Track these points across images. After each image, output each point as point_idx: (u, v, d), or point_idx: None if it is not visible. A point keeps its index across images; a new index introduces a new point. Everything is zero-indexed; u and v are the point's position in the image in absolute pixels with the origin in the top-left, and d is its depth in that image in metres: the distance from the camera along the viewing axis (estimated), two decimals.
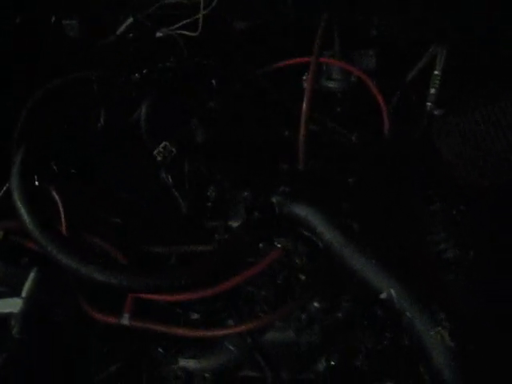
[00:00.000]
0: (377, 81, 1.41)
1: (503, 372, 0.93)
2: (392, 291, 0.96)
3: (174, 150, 1.24)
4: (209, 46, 1.48)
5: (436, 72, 1.40)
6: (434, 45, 1.41)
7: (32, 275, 1.09)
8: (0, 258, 1.12)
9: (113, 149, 1.30)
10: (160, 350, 1.19)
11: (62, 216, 1.14)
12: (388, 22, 1.42)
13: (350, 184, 1.24)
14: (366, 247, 1.02)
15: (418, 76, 1.46)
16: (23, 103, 1.34)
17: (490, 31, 1.34)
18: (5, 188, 1.20)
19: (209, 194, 1.27)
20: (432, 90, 1.41)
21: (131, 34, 1.50)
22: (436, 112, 1.41)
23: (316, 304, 1.11)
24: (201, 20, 1.45)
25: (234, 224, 1.20)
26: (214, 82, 1.37)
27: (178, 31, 1.48)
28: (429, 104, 1.42)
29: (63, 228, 1.14)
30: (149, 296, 1.09)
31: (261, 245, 1.12)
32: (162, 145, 1.24)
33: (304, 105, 1.19)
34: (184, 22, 1.48)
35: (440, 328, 0.91)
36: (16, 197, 1.10)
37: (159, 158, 1.23)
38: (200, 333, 1.11)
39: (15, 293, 1.06)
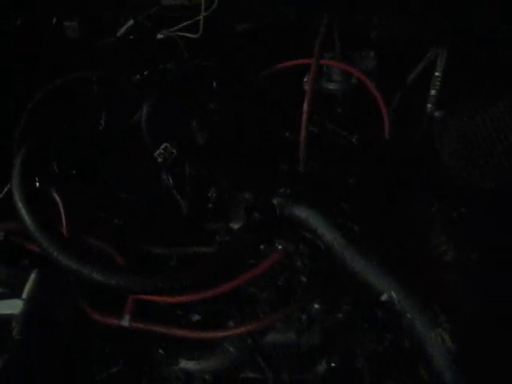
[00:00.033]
0: (377, 82, 1.41)
1: (504, 374, 0.93)
2: (392, 293, 0.96)
3: (174, 151, 1.24)
4: (209, 48, 1.49)
5: (437, 73, 1.40)
6: (434, 46, 1.41)
7: (32, 276, 1.09)
8: (0, 259, 1.12)
9: (114, 150, 1.30)
10: (160, 351, 1.19)
11: (63, 217, 1.14)
12: (388, 22, 1.43)
13: (350, 185, 1.24)
14: (366, 249, 1.02)
15: (419, 77, 1.46)
16: (23, 104, 1.34)
17: (489, 32, 1.34)
18: (6, 189, 1.20)
19: (209, 195, 1.27)
20: (432, 92, 1.41)
21: (132, 36, 1.50)
22: (436, 113, 1.41)
23: (317, 305, 1.11)
24: (201, 22, 1.45)
25: (235, 226, 1.19)
26: (214, 83, 1.37)
27: (179, 33, 1.48)
28: (429, 105, 1.42)
29: (64, 229, 1.14)
30: (149, 297, 1.09)
31: (262, 246, 1.12)
32: (162, 146, 1.24)
33: (304, 106, 1.19)
34: (185, 23, 1.48)
35: (440, 330, 0.91)
36: (17, 198, 1.10)
37: (160, 160, 1.23)
38: (200, 334, 1.11)
39: (16, 294, 1.06)
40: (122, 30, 1.50)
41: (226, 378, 1.19)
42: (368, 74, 1.42)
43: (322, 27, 1.26)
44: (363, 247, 1.02)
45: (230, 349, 1.17)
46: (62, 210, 1.14)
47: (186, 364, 1.19)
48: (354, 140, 1.41)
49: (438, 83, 1.40)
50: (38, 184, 1.17)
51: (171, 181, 1.27)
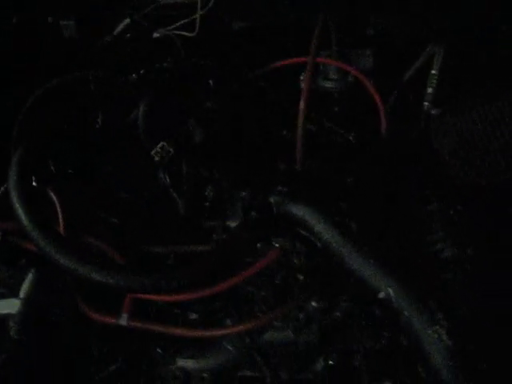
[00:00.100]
0: (374, 80, 1.41)
1: (501, 371, 0.93)
2: (390, 290, 0.96)
3: (171, 150, 1.24)
4: (206, 46, 1.49)
5: (433, 71, 1.40)
6: (431, 44, 1.41)
7: (30, 276, 1.09)
8: None
9: (110, 149, 1.30)
10: (158, 350, 1.19)
11: (60, 216, 1.14)
12: (386, 20, 1.43)
13: (347, 184, 1.24)
14: (363, 247, 1.02)
15: (416, 75, 1.46)
16: (20, 103, 1.34)
17: (487, 30, 1.34)
18: (2, 189, 1.19)
19: (207, 193, 1.27)
20: (429, 90, 1.41)
21: (128, 35, 1.50)
22: (433, 111, 1.41)
23: (314, 304, 1.11)
24: (198, 20, 1.45)
25: (232, 224, 1.20)
26: (211, 82, 1.37)
27: (175, 31, 1.48)
28: (426, 103, 1.42)
29: (61, 228, 1.14)
30: (147, 296, 1.09)
31: (258, 245, 1.12)
32: (159, 145, 1.24)
33: (301, 104, 1.19)
34: (181, 22, 1.48)
35: (438, 327, 0.91)
36: (14, 197, 1.09)
37: (157, 159, 1.23)
38: (198, 333, 1.12)
39: (13, 294, 1.06)
40: (119, 28, 1.50)
41: (224, 376, 1.19)
42: (365, 72, 1.42)
43: (318, 25, 1.26)
44: (360, 245, 1.03)
45: (228, 347, 1.17)
46: (58, 210, 1.14)
47: (184, 363, 1.19)
48: (351, 138, 1.41)
49: (434, 81, 1.40)
50: (34, 183, 1.17)
51: (168, 179, 1.27)
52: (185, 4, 1.48)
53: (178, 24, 1.48)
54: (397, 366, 1.09)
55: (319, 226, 1.06)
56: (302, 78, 1.45)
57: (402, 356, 1.07)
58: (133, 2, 1.51)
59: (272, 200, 1.12)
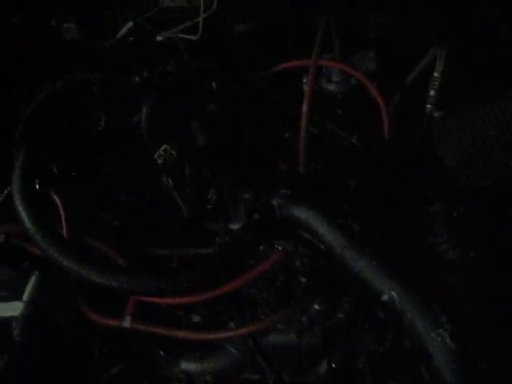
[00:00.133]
0: (377, 83, 1.41)
1: (504, 374, 0.93)
2: (393, 293, 0.96)
3: (174, 153, 1.24)
4: (209, 49, 1.49)
5: (435, 74, 1.40)
6: (433, 47, 1.41)
7: (33, 279, 1.09)
8: (1, 261, 1.12)
9: (113, 152, 1.30)
10: (161, 352, 1.19)
11: (63, 219, 1.14)
12: (388, 22, 1.43)
13: (350, 186, 1.24)
14: (366, 249, 1.02)
15: (418, 78, 1.46)
16: (23, 105, 1.34)
17: (487, 30, 1.34)
18: (6, 192, 1.20)
19: (209, 196, 1.27)
20: (431, 92, 1.42)
21: (131, 38, 1.50)
22: (435, 114, 1.41)
23: (317, 306, 1.11)
24: (201, 23, 1.46)
25: (235, 226, 1.20)
26: (214, 85, 1.37)
27: (179, 35, 1.49)
28: (428, 106, 1.42)
29: (64, 231, 1.14)
30: (150, 299, 1.09)
31: (261, 247, 1.12)
32: (162, 148, 1.24)
33: (304, 107, 1.19)
34: (184, 25, 1.48)
35: (441, 330, 0.91)
36: (17, 200, 1.10)
37: (160, 161, 1.23)
38: (201, 335, 1.11)
39: (16, 296, 1.07)
40: (122, 31, 1.51)
41: (228, 379, 1.19)
42: (367, 75, 1.43)
43: (321, 28, 1.26)
44: (363, 247, 1.02)
45: (231, 350, 1.17)
46: (61, 212, 1.14)
47: (187, 365, 1.19)
48: (353, 140, 1.41)
49: (436, 84, 1.40)
50: (37, 186, 1.17)
51: (171, 182, 1.27)
52: (188, 7, 1.48)
53: (181, 27, 1.49)
54: (400, 369, 1.09)
55: (322, 229, 1.06)
56: (304, 80, 1.45)
57: (405, 359, 1.06)
58: (136, 5, 1.51)
59: (275, 202, 1.13)
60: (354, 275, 1.01)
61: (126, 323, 1.10)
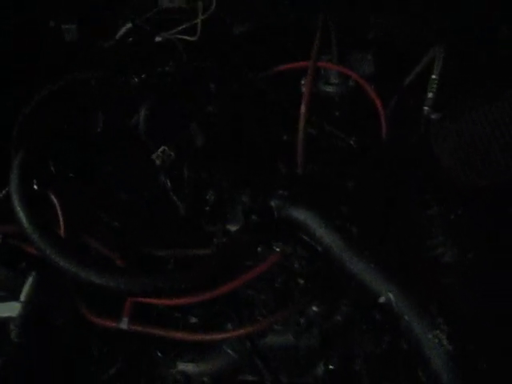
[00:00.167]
0: (375, 85, 1.41)
1: (502, 375, 0.93)
2: (390, 295, 0.96)
3: (172, 153, 1.24)
4: (208, 50, 1.49)
5: (433, 76, 1.41)
6: (432, 48, 1.41)
7: (30, 279, 1.09)
8: None
9: (111, 152, 1.30)
10: (159, 353, 1.19)
11: (61, 219, 1.14)
12: (388, 22, 1.43)
13: (348, 188, 1.24)
14: (364, 251, 1.02)
15: (416, 80, 1.47)
16: (22, 105, 1.34)
17: (487, 30, 1.34)
18: (4, 191, 1.19)
19: (207, 197, 1.27)
20: (429, 95, 1.42)
21: (130, 39, 1.50)
22: (433, 116, 1.41)
23: (315, 308, 1.11)
24: (199, 24, 1.46)
25: (233, 227, 1.20)
26: (212, 86, 1.37)
27: (177, 35, 1.49)
28: (426, 108, 1.42)
29: (62, 231, 1.14)
30: (147, 300, 1.09)
31: (259, 249, 1.12)
32: (160, 149, 1.24)
33: (302, 109, 1.19)
34: (183, 26, 1.48)
35: (438, 331, 0.91)
36: (14, 200, 1.10)
37: (158, 162, 1.23)
38: (199, 337, 1.11)
39: (14, 297, 1.06)
40: (121, 32, 1.51)
41: (225, 380, 1.19)
42: (366, 77, 1.43)
43: (319, 30, 1.26)
44: (361, 249, 1.02)
45: (229, 351, 1.17)
46: (59, 212, 1.14)
47: (184, 366, 1.19)
48: (351, 142, 1.41)
49: (434, 86, 1.40)
50: (35, 186, 1.17)
51: (169, 183, 1.27)
52: (186, 8, 1.48)
53: (179, 28, 1.49)
54: (397, 371, 1.09)
55: (320, 231, 1.06)
56: (303, 82, 1.46)
57: (403, 360, 1.07)
58: (135, 6, 1.51)
59: (273, 204, 1.13)
60: (351, 277, 1.01)
61: (123, 324, 1.10)
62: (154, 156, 1.23)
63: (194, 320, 1.19)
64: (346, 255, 1.02)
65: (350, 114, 1.48)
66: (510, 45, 1.34)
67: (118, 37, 1.50)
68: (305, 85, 1.30)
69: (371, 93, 1.40)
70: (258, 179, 1.27)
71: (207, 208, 1.28)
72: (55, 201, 1.15)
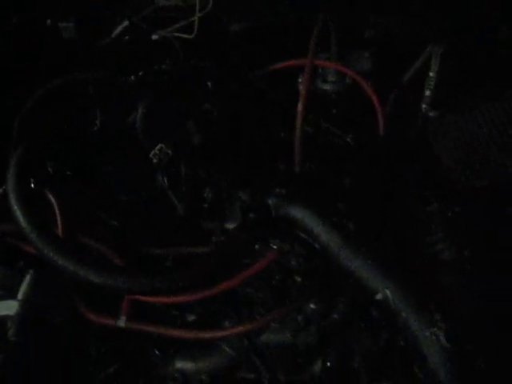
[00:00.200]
0: (372, 82, 1.41)
1: (499, 373, 0.93)
2: (387, 292, 0.96)
3: (169, 152, 1.24)
4: (204, 48, 1.49)
5: (431, 74, 1.41)
6: (429, 46, 1.41)
7: (28, 278, 1.09)
8: None
9: (109, 151, 1.30)
10: (157, 351, 1.19)
11: (58, 218, 1.14)
12: (386, 20, 1.43)
13: (345, 185, 1.24)
14: (361, 248, 1.02)
15: (414, 77, 1.47)
16: (20, 104, 1.34)
17: (487, 30, 1.34)
18: (1, 190, 1.19)
19: (205, 195, 1.27)
20: (427, 92, 1.42)
21: (127, 37, 1.50)
22: (431, 113, 1.41)
23: (312, 305, 1.11)
24: (196, 22, 1.45)
25: (231, 226, 1.20)
26: (209, 83, 1.37)
27: (174, 33, 1.48)
28: (424, 106, 1.43)
29: (59, 230, 1.14)
30: (145, 298, 1.09)
31: (257, 246, 1.12)
32: (157, 147, 1.24)
33: (299, 107, 1.19)
34: (180, 24, 1.48)
35: (435, 328, 0.91)
36: (12, 199, 1.09)
37: (155, 161, 1.23)
38: (197, 334, 1.11)
39: (11, 295, 1.06)
40: (117, 30, 1.50)
41: (223, 378, 1.19)
42: (363, 74, 1.43)
43: (317, 28, 1.26)
44: (359, 246, 1.03)
45: (227, 349, 1.17)
46: (57, 211, 1.14)
47: (182, 364, 1.19)
48: (349, 140, 1.41)
49: (432, 83, 1.40)
50: (33, 185, 1.17)
51: (166, 181, 1.27)
52: (183, 6, 1.48)
53: (176, 26, 1.49)
54: (394, 368, 1.09)
55: (317, 228, 1.06)
56: (300, 80, 1.46)
57: (400, 357, 1.07)
58: (132, 4, 1.51)
59: (270, 202, 1.13)
60: (349, 274, 1.01)
61: (121, 323, 1.10)
62: (151, 154, 1.23)
63: (191, 318, 1.19)
64: (344, 252, 1.02)
65: (347, 111, 1.49)
66: (510, 45, 1.34)
67: (114, 35, 1.50)
68: (302, 82, 1.30)
69: (368, 89, 1.40)
70: (255, 177, 1.27)
71: (205, 206, 1.28)
72: (53, 200, 1.15)
